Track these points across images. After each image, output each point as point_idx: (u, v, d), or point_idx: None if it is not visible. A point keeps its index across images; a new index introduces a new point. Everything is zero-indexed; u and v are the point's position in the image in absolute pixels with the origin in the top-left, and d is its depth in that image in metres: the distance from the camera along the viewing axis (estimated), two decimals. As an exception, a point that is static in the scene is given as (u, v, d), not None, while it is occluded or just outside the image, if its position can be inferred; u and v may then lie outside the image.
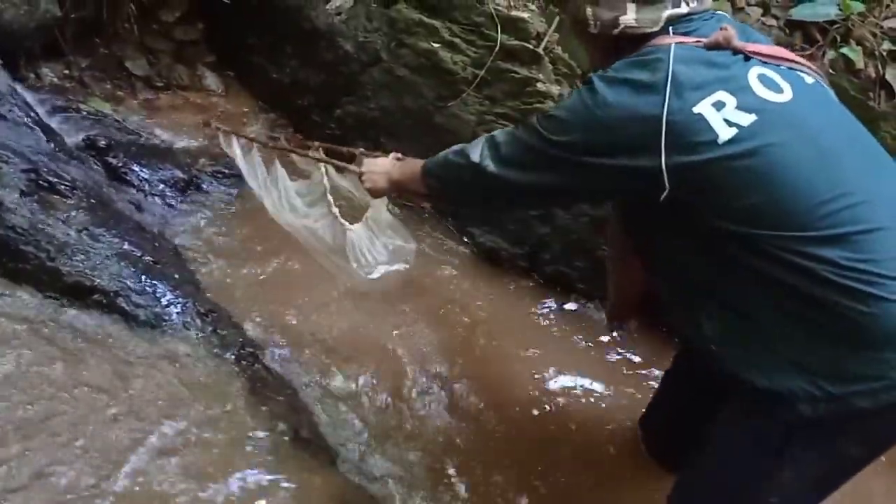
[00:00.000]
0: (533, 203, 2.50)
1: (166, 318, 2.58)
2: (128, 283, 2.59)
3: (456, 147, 2.05)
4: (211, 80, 4.03)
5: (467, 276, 3.32)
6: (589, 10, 1.83)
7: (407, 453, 2.47)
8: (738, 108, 1.60)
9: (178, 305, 2.64)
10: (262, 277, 3.02)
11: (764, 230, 1.58)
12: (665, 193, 1.62)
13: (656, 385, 2.64)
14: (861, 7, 3.12)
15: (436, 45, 3.24)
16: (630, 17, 1.76)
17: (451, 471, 2.45)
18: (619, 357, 3.06)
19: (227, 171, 3.53)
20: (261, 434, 2.38)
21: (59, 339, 2.36)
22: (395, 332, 2.93)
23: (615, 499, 2.51)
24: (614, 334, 3.06)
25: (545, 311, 3.24)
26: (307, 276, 3.03)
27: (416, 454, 2.47)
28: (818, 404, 1.55)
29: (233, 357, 2.58)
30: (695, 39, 1.72)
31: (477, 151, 1.92)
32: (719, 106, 1.59)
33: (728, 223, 1.60)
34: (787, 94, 1.65)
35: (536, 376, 2.88)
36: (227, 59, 4.09)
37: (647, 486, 2.42)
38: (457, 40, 3.20)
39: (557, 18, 3.19)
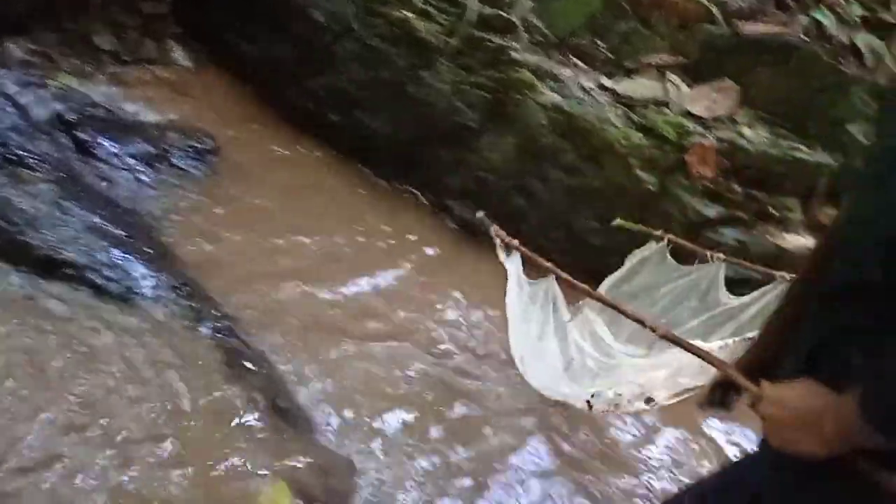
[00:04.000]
0: None
1: (138, 291, 2.54)
2: (99, 256, 2.55)
3: None
4: (179, 54, 3.97)
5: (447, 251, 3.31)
6: None
7: (386, 421, 2.46)
8: None
9: (151, 279, 2.60)
10: (236, 252, 2.99)
11: None
12: None
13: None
14: (833, -28, 3.14)
15: (408, 14, 3.21)
16: None
17: (435, 433, 2.45)
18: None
19: (197, 145, 3.49)
20: (240, 404, 2.35)
21: (30, 311, 2.32)
22: (374, 302, 2.91)
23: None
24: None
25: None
26: (282, 250, 3.01)
27: (395, 420, 2.47)
28: None
29: (209, 330, 2.55)
30: None
31: None
32: None
33: None
34: None
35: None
36: (197, 33, 4.03)
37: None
38: (429, 8, 3.17)
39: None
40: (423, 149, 3.41)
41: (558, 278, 2.26)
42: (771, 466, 1.30)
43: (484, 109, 3.24)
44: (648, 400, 2.22)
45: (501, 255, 2.39)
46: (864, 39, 3.01)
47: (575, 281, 2.16)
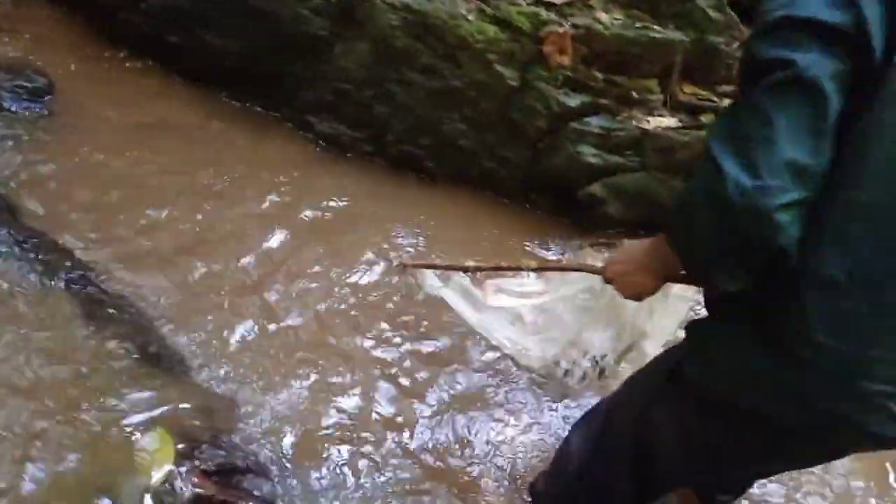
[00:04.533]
0: None
1: (-25, 249, 2.34)
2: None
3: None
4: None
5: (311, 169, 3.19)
6: None
7: (263, 355, 2.39)
8: None
9: (-11, 235, 2.40)
10: (85, 199, 2.78)
11: None
12: None
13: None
14: None
15: (238, -82, 2.97)
16: None
17: (316, 361, 2.41)
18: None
19: (28, 84, 3.19)
20: (107, 357, 2.24)
21: None
22: (231, 227, 2.80)
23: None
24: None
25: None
26: (132, 196, 2.83)
27: (272, 351, 2.41)
28: None
29: (62, 284, 2.39)
30: None
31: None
32: None
33: None
34: None
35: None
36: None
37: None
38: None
39: None
40: (274, 64, 3.23)
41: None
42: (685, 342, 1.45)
43: (332, 16, 3.08)
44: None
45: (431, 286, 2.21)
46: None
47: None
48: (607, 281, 1.58)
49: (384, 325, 2.58)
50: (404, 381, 2.43)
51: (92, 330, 2.31)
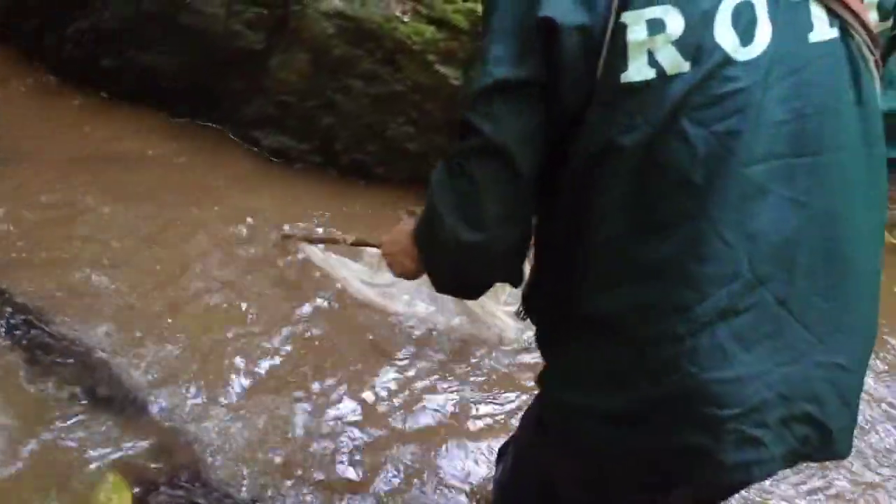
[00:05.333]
0: None
1: None
2: None
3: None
4: None
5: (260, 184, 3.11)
6: None
7: (217, 380, 2.32)
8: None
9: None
10: (21, 239, 2.68)
11: None
12: None
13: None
14: None
15: (158, -65, 2.87)
16: None
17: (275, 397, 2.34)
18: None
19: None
20: (54, 405, 2.16)
21: None
22: (179, 252, 2.73)
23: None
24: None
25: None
26: (73, 232, 2.73)
27: (229, 377, 2.34)
28: None
29: (1, 331, 2.31)
30: None
31: None
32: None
33: None
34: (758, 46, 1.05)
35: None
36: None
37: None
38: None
39: None
40: (212, 81, 3.14)
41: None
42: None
43: (266, 28, 3.00)
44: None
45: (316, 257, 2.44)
46: None
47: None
48: (384, 256, 1.59)
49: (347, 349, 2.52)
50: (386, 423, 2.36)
51: (37, 376, 2.23)
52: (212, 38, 3.01)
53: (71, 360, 2.30)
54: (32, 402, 2.16)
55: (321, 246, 2.60)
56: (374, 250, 2.31)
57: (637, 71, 1.02)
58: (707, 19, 1.01)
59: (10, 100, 3.25)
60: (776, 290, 1.07)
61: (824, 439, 1.14)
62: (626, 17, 1.01)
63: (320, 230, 2.84)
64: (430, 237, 1.22)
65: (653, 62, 1.02)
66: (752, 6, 1.03)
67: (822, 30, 1.06)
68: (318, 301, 2.62)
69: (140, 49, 3.13)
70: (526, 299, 1.34)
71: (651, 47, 1.01)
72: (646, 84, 1.02)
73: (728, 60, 1.02)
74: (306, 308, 2.60)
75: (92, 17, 3.15)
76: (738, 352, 1.07)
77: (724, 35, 1.02)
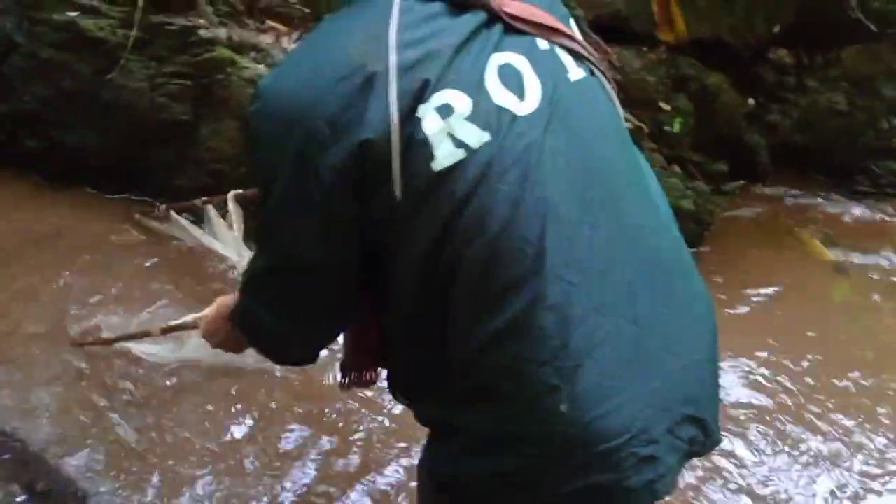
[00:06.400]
0: None
1: None
2: None
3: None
4: None
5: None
6: None
7: (162, 463, 2.24)
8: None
9: None
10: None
11: None
12: None
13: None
14: None
15: (73, 15, 2.85)
16: None
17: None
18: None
19: None
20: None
21: None
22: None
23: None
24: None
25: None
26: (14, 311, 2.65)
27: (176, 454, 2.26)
28: None
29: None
30: None
31: None
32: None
33: None
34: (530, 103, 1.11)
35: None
36: None
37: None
38: (95, 2, 2.83)
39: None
40: (141, 155, 3.10)
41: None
42: None
43: (191, 99, 2.99)
44: None
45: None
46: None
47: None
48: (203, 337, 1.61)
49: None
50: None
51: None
52: (137, 112, 2.98)
53: (6, 456, 2.20)
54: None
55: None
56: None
57: (445, 155, 1.05)
58: (482, 89, 1.07)
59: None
60: (624, 312, 1.10)
61: (706, 432, 1.20)
62: (420, 111, 1.04)
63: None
64: (247, 334, 1.37)
65: (458, 143, 1.05)
66: (511, 65, 1.10)
67: (575, 71, 1.16)
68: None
69: (63, 128, 3.08)
70: (393, 389, 1.34)
71: (450, 130, 1.05)
72: (459, 163, 1.05)
73: (514, 118, 1.08)
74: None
75: (13, 101, 3.09)
76: (611, 382, 1.08)
77: (503, 96, 1.08)
